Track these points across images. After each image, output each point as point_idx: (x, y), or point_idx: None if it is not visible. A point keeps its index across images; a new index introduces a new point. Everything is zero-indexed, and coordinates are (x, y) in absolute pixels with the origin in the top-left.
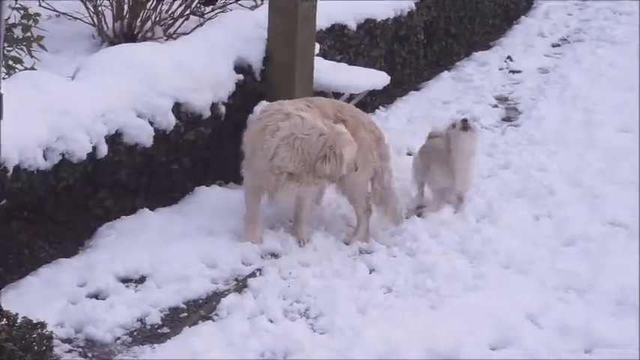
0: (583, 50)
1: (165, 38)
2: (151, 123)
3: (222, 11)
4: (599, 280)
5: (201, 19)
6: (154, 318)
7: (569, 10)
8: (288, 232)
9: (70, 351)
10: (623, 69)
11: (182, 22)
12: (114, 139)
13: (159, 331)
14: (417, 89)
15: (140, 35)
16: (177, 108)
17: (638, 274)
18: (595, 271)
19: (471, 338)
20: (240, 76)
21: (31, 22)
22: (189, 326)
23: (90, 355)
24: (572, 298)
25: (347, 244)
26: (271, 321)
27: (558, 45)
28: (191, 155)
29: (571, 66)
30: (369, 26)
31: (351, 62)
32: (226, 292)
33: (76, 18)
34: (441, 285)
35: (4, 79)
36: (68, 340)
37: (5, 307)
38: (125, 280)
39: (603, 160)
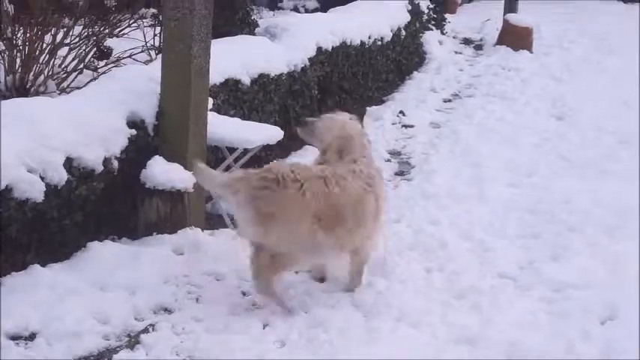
0: (473, 105)
1: (58, 92)
2: (42, 178)
3: (115, 65)
4: (489, 333)
5: (95, 74)
6: None
7: (460, 65)
8: (179, 287)
9: None
10: (511, 124)
11: (75, 76)
12: (3, 194)
13: None
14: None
15: (33, 89)
16: (68, 163)
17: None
18: (486, 324)
19: None
20: (133, 131)
21: None
22: None
23: None
24: (463, 351)
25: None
26: None
27: (450, 100)
28: (83, 210)
29: (462, 120)
30: (262, 81)
31: (245, 117)
32: (118, 349)
33: None
34: (334, 338)
35: None
36: None
37: None
38: (15, 338)
39: (493, 213)
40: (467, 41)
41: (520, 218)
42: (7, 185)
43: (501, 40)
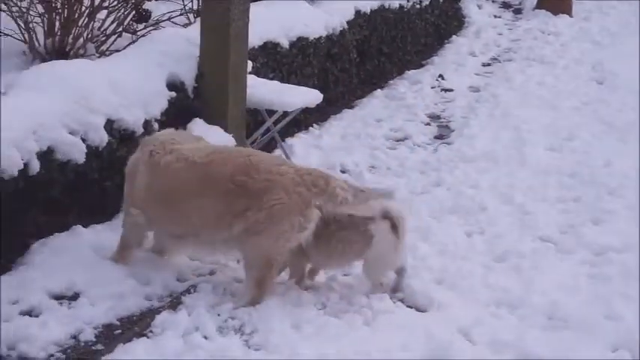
0: (513, 69)
1: (97, 55)
2: (84, 140)
3: (154, 29)
4: (530, 296)
5: (134, 37)
6: (88, 335)
7: (499, 29)
8: None
9: None
10: (551, 87)
11: (114, 40)
12: (46, 156)
13: (92, 348)
14: (351, 107)
15: (72, 52)
16: (109, 125)
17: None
18: (526, 287)
19: (404, 353)
20: (173, 93)
21: None
22: (123, 343)
23: None
24: (503, 314)
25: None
26: (206, 337)
27: (489, 64)
28: (124, 172)
29: (501, 84)
30: (301, 44)
31: (283, 80)
32: (160, 309)
33: (6, 34)
34: (374, 301)
35: None
36: (1, 358)
37: None
38: (58, 298)
39: (533, 177)
40: (506, 5)
41: (560, 182)
42: (49, 147)
43: (541, 4)
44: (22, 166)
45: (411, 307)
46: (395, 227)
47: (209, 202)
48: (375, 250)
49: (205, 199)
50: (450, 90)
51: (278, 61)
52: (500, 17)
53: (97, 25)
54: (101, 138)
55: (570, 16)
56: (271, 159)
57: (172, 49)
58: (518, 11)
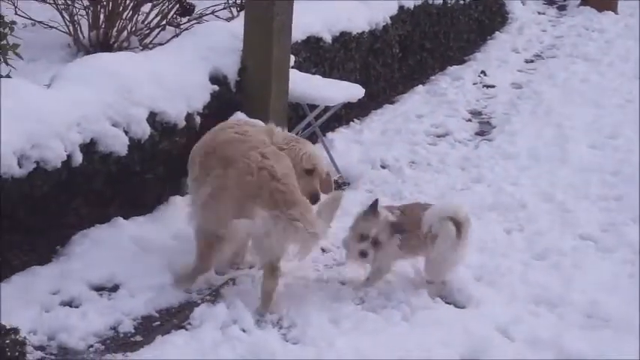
0: (556, 66)
1: (140, 48)
2: (126, 132)
3: (198, 22)
4: (569, 294)
5: (177, 30)
6: (127, 326)
7: (542, 26)
8: None
9: (42, 358)
10: (595, 85)
11: (158, 33)
12: (88, 148)
13: (132, 339)
14: (392, 102)
15: (116, 45)
16: (152, 117)
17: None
18: (566, 285)
19: (442, 350)
20: (216, 87)
21: (7, 30)
22: (162, 335)
23: None
24: (542, 311)
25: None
26: (244, 330)
27: (532, 61)
28: (166, 165)
29: (544, 81)
30: (344, 39)
31: (326, 75)
32: (199, 302)
33: (51, 27)
34: (412, 297)
35: None
36: (41, 348)
37: None
38: (98, 289)
39: (574, 175)
40: (550, 1)
41: (602, 180)
42: (92, 139)
43: (585, 1)
44: (65, 158)
45: (450, 304)
46: (459, 229)
47: None
48: (438, 250)
49: None
50: (492, 86)
51: (320, 56)
52: (544, 14)
53: (141, 18)
54: (143, 130)
55: (615, 12)
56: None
57: (215, 42)
58: (562, 8)
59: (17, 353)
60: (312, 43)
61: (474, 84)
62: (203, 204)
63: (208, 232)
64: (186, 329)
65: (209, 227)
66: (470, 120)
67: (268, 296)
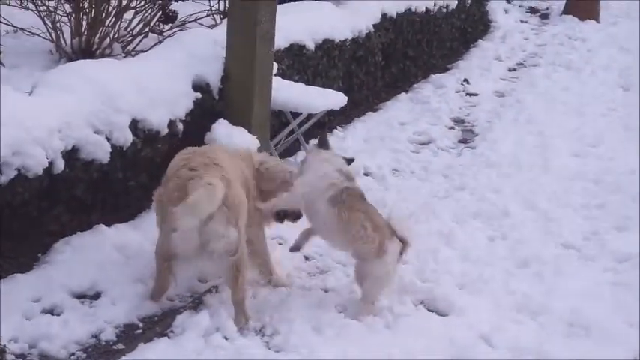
0: (539, 74)
1: (123, 55)
2: (108, 139)
3: (181, 29)
4: (551, 302)
5: (160, 37)
6: (109, 334)
7: (525, 34)
8: None
9: None
10: (577, 93)
11: (141, 40)
12: (70, 155)
13: (114, 347)
14: (375, 110)
15: (98, 52)
16: (134, 125)
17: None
18: (548, 293)
19: (426, 357)
20: (198, 94)
21: None
22: (144, 342)
23: None
24: (525, 319)
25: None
26: (226, 338)
27: (514, 69)
28: (148, 172)
29: (527, 89)
30: (327, 47)
31: (309, 82)
32: (182, 309)
33: (34, 33)
34: (395, 305)
35: None
36: (22, 356)
37: None
38: (80, 296)
39: (557, 183)
40: (533, 10)
41: (584, 188)
42: (74, 146)
43: (568, 10)
44: (47, 165)
45: (432, 311)
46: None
47: None
48: (384, 267)
49: None
50: (475, 94)
51: (303, 63)
52: (526, 22)
53: (123, 25)
54: (126, 138)
55: (597, 21)
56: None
57: (198, 50)
58: (545, 16)
59: None
60: (295, 50)
61: (457, 92)
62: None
63: (161, 251)
64: (169, 337)
65: (160, 247)
66: (453, 128)
67: (238, 306)
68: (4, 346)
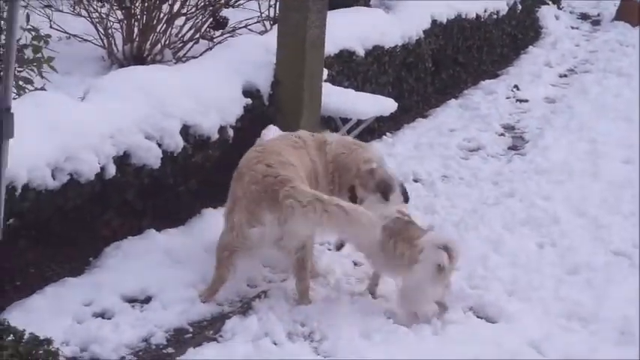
0: (590, 81)
1: (174, 61)
2: (159, 145)
3: (231, 36)
4: (602, 310)
5: (211, 43)
6: (159, 338)
7: (576, 41)
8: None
9: None
10: (628, 100)
11: (192, 46)
12: (122, 160)
13: (163, 351)
14: (424, 116)
15: (149, 58)
16: (185, 130)
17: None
18: (598, 301)
19: None
20: (249, 100)
21: (41, 43)
22: (194, 347)
23: None
24: (575, 327)
25: None
26: (275, 343)
27: (565, 75)
28: (198, 177)
29: (578, 96)
30: (377, 53)
31: (358, 88)
32: (231, 314)
33: (86, 40)
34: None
35: (14, 99)
36: (74, 359)
37: (12, 324)
38: (131, 301)
39: (607, 190)
40: (584, 16)
41: (635, 195)
42: (125, 151)
43: (619, 16)
44: (98, 170)
45: (481, 318)
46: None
47: None
48: (415, 275)
49: None
50: (525, 101)
51: (353, 70)
52: (577, 28)
53: (174, 31)
54: (176, 143)
55: None
56: None
57: (249, 56)
58: (596, 22)
59: None
60: (345, 56)
61: (507, 98)
62: (224, 216)
63: (224, 242)
64: (218, 341)
65: (225, 238)
66: (503, 134)
67: (303, 295)
68: (57, 348)
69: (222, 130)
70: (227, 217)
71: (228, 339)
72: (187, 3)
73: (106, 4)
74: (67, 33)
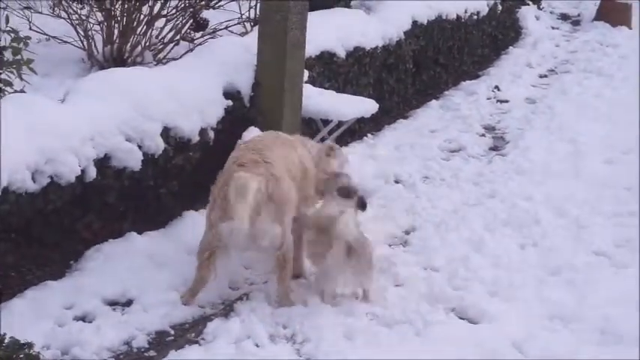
0: (570, 81)
1: (154, 63)
2: (140, 147)
3: (212, 37)
4: (583, 310)
5: (191, 45)
6: (141, 341)
7: (556, 41)
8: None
9: None
10: (608, 100)
11: (172, 48)
12: (102, 163)
13: (145, 354)
14: (405, 117)
15: (130, 60)
16: (165, 132)
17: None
18: (580, 301)
19: None
20: (230, 102)
21: (21, 45)
22: (176, 350)
23: None
24: (557, 327)
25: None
26: (257, 345)
27: (546, 76)
28: (180, 179)
29: (558, 96)
30: (357, 54)
31: (339, 90)
32: (213, 317)
33: (66, 42)
34: (426, 312)
35: None
36: None
37: None
38: (112, 304)
39: (588, 190)
40: (564, 17)
41: (616, 195)
42: (105, 154)
43: (599, 16)
44: (79, 173)
45: (463, 319)
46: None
47: None
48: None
49: None
50: (506, 101)
51: (334, 71)
52: (557, 29)
53: (155, 33)
54: (157, 145)
55: (629, 27)
56: None
57: (229, 57)
58: (576, 23)
59: None
60: (326, 58)
61: (488, 99)
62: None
63: (205, 242)
64: (200, 344)
65: (206, 238)
66: (483, 135)
67: (284, 297)
68: (38, 352)
69: (202, 132)
70: (207, 217)
71: (210, 341)
72: (167, 4)
73: (85, 6)
74: (47, 35)
